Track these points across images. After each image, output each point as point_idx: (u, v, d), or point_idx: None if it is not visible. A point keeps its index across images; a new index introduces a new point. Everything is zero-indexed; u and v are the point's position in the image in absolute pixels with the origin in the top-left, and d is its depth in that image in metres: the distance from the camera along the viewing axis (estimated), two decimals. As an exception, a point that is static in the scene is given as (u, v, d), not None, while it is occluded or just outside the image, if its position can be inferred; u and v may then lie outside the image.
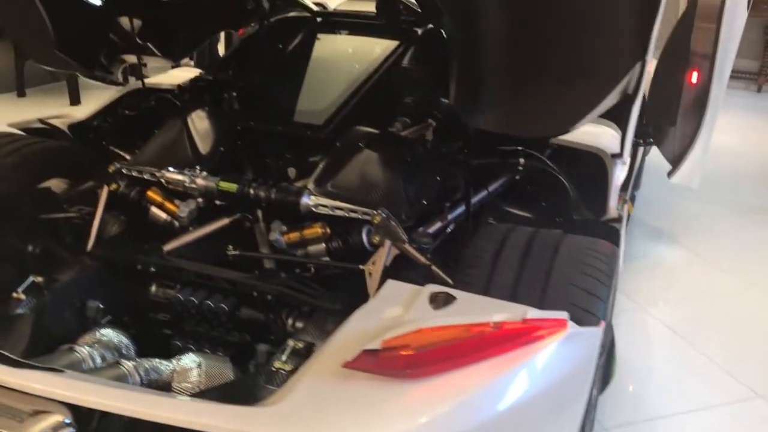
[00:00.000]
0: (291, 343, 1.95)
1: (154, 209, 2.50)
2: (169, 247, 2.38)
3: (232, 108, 3.04)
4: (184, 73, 3.56)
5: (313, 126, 2.72)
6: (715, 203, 5.01)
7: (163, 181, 2.46)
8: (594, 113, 1.98)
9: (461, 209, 2.56)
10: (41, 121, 3.16)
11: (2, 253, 2.45)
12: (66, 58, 2.56)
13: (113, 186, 2.50)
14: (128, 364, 1.85)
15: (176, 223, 2.49)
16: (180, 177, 2.43)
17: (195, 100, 3.17)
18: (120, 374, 1.84)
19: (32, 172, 2.58)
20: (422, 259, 2.13)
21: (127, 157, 3.01)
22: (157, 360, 1.96)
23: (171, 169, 2.45)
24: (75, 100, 7.30)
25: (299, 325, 2.19)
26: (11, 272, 2.52)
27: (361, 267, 2.15)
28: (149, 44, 3.03)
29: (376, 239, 2.18)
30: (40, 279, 2.22)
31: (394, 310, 1.72)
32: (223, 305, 2.21)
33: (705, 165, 2.71)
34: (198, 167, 2.47)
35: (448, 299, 1.73)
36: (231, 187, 2.38)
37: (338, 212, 2.28)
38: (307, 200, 2.30)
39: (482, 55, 1.95)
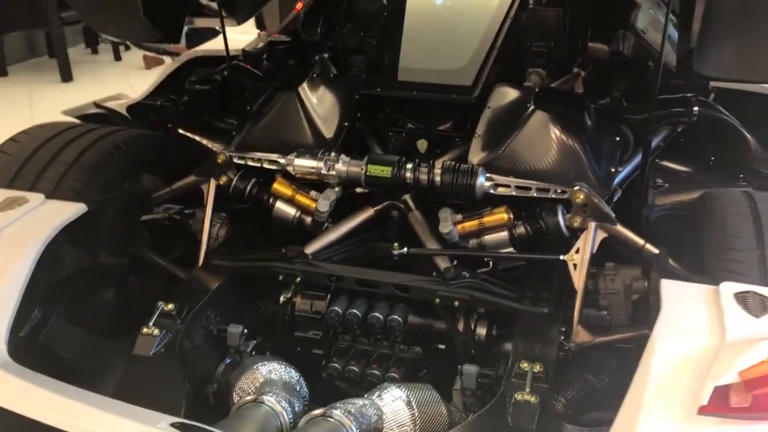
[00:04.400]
0: (527, 366, 1.56)
1: (280, 205, 2.05)
2: (311, 249, 1.95)
3: (346, 73, 2.54)
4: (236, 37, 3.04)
5: (460, 87, 2.24)
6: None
7: (290, 169, 2.00)
8: None
9: (630, 170, 2.16)
10: (97, 105, 2.66)
11: (103, 273, 2.00)
12: (151, 26, 2.07)
13: (223, 179, 2.04)
14: (338, 414, 1.44)
15: (307, 220, 2.05)
16: (314, 163, 1.97)
17: (278, 66, 2.69)
18: (333, 427, 1.42)
19: (117, 169, 2.10)
20: (647, 245, 1.75)
21: (205, 142, 2.55)
22: (357, 402, 1.55)
23: (300, 154, 1.99)
24: (67, 77, 6.67)
25: (494, 333, 1.81)
26: (118, 297, 2.09)
27: (561, 257, 1.76)
28: (218, 7, 2.52)
29: (577, 221, 1.78)
30: (170, 306, 1.76)
31: (703, 322, 1.33)
32: (397, 317, 1.80)
33: None
34: (322, 149, 2.02)
35: (765, 302, 1.34)
36: (383, 171, 1.94)
37: (522, 192, 1.87)
38: (484, 180, 1.88)
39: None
